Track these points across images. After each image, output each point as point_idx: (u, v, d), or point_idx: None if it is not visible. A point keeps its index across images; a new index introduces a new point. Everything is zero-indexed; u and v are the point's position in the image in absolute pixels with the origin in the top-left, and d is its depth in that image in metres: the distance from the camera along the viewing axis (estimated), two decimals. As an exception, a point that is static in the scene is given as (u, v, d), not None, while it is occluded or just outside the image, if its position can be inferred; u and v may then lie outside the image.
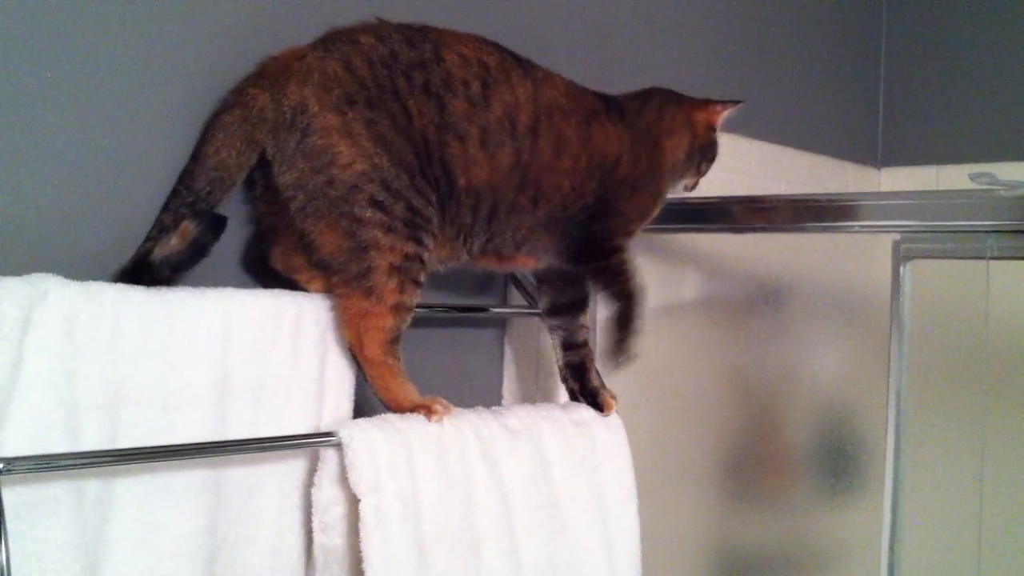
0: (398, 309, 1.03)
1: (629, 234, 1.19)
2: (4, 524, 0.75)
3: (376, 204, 1.01)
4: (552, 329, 1.22)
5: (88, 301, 0.87)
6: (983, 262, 1.35)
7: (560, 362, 1.23)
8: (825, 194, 1.21)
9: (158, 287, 0.93)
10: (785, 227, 1.32)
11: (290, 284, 1.05)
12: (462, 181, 1.06)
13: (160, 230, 0.97)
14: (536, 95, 1.10)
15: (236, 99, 1.00)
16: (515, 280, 1.30)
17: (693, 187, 1.26)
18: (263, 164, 1.01)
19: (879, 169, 1.99)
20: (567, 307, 1.21)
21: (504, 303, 1.33)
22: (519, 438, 1.12)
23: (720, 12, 1.67)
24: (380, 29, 1.05)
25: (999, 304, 1.66)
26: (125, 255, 0.96)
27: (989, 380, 1.70)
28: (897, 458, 1.17)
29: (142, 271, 0.95)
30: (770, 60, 1.79)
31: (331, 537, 1.00)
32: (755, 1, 1.76)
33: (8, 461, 0.77)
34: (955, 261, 1.15)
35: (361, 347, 1.03)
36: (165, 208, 0.98)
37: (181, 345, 0.93)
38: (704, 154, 1.23)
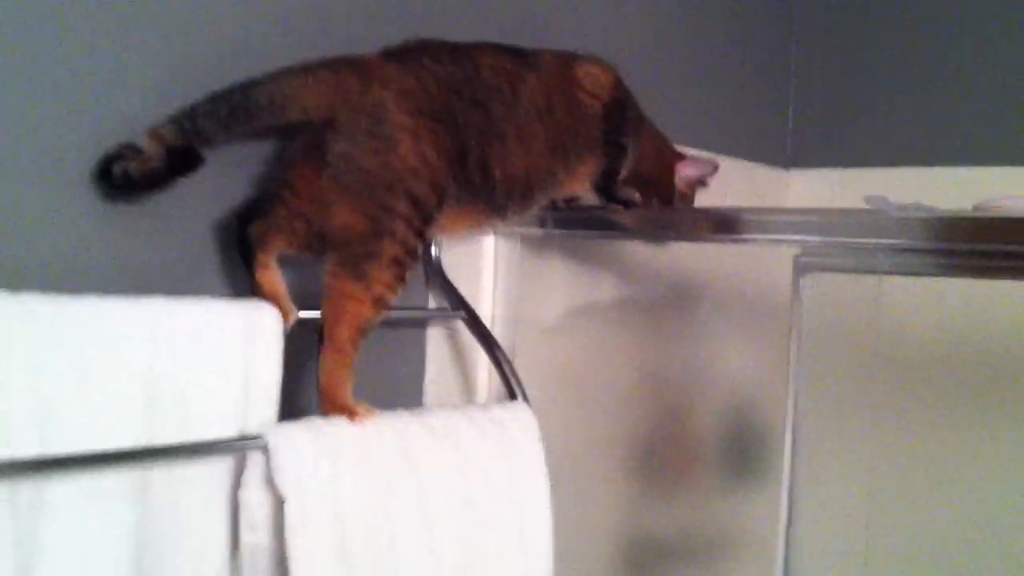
0: (380, 302, 1.10)
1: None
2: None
3: (412, 199, 1.10)
4: None
5: (20, 313, 0.90)
6: (876, 277, 1.43)
7: None
8: (733, 207, 1.26)
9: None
10: (694, 237, 1.38)
11: (247, 254, 1.11)
12: (498, 173, 1.19)
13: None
14: (539, 77, 1.24)
15: (331, 68, 1.10)
16: (439, 281, 1.35)
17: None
18: (321, 131, 1.09)
19: (788, 171, 2.04)
20: None
21: (425, 305, 1.37)
22: (438, 437, 1.16)
23: (625, 11, 1.70)
24: (432, 50, 1.18)
25: (889, 315, 1.75)
26: (57, 263, 0.99)
27: (879, 383, 1.80)
28: (794, 453, 1.24)
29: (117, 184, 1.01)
30: (679, 61, 1.82)
31: (258, 536, 1.03)
32: (667, 1, 1.79)
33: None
34: (850, 275, 1.22)
35: (333, 328, 1.09)
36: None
37: (111, 354, 0.96)
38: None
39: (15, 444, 0.89)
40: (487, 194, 1.21)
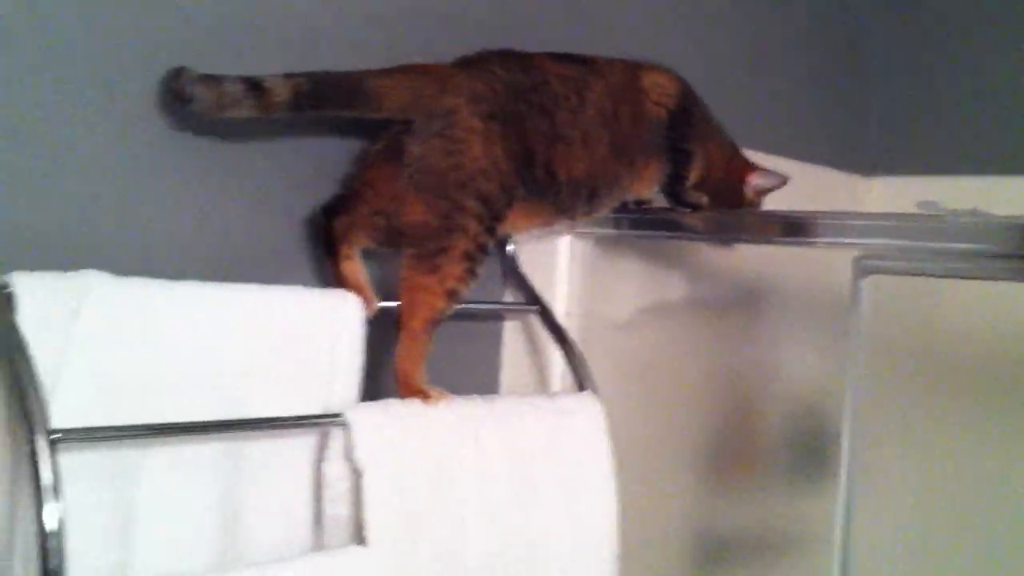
0: (452, 295, 1.19)
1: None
2: (60, 485, 0.87)
3: (482, 198, 1.18)
4: None
5: (130, 296, 1.00)
6: (934, 280, 1.45)
7: None
8: (797, 211, 1.30)
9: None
10: (758, 240, 1.43)
11: (331, 247, 1.20)
12: (563, 176, 1.26)
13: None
14: (606, 84, 1.31)
15: (414, 73, 1.19)
16: (515, 277, 1.42)
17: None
18: (399, 134, 1.18)
19: (869, 178, 2.05)
20: None
21: (502, 299, 1.44)
22: (505, 422, 1.24)
23: (711, 21, 1.74)
24: (502, 59, 1.25)
25: (947, 317, 1.76)
26: (156, 254, 1.09)
27: (937, 385, 1.80)
28: (851, 454, 1.27)
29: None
30: (761, 69, 1.85)
31: (338, 507, 1.12)
32: (746, 10, 1.83)
33: (63, 432, 0.89)
34: (910, 278, 1.25)
35: (409, 318, 1.18)
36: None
37: (209, 335, 1.05)
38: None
39: (120, 414, 0.99)
40: (553, 195, 1.27)
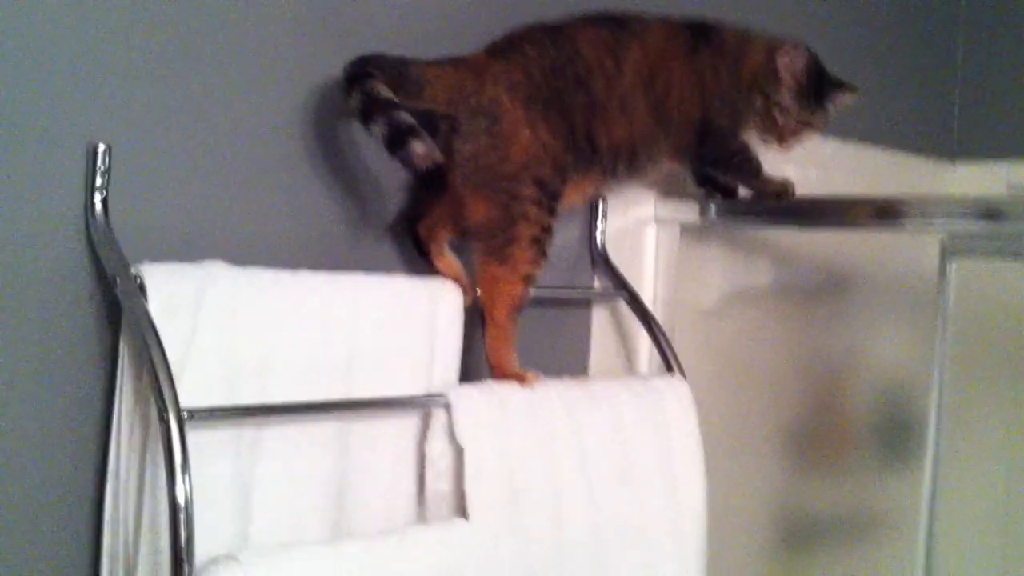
0: (528, 279, 1.23)
1: (736, 137, 1.39)
2: (188, 460, 0.94)
3: (538, 183, 1.21)
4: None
5: (249, 284, 1.06)
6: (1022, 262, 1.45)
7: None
8: (883, 195, 1.32)
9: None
10: (846, 224, 1.44)
11: (422, 249, 1.25)
12: (604, 142, 1.27)
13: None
14: (645, 47, 1.30)
15: (453, 65, 1.20)
16: (603, 264, 1.46)
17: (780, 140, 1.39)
18: (448, 134, 1.19)
19: (954, 164, 2.04)
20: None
21: (591, 285, 1.48)
22: (598, 401, 1.28)
23: (796, 4, 1.75)
24: (533, 37, 1.25)
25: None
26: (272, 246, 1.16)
27: (1020, 367, 1.79)
28: (938, 437, 1.29)
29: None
30: (845, 55, 1.84)
31: (440, 483, 1.17)
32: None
33: (191, 411, 0.96)
34: (997, 261, 1.27)
35: (491, 309, 1.23)
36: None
37: (319, 321, 1.11)
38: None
39: (241, 394, 1.05)
40: (599, 162, 1.28)
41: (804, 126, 1.38)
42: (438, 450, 1.17)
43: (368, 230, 1.25)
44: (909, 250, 1.52)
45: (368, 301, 1.16)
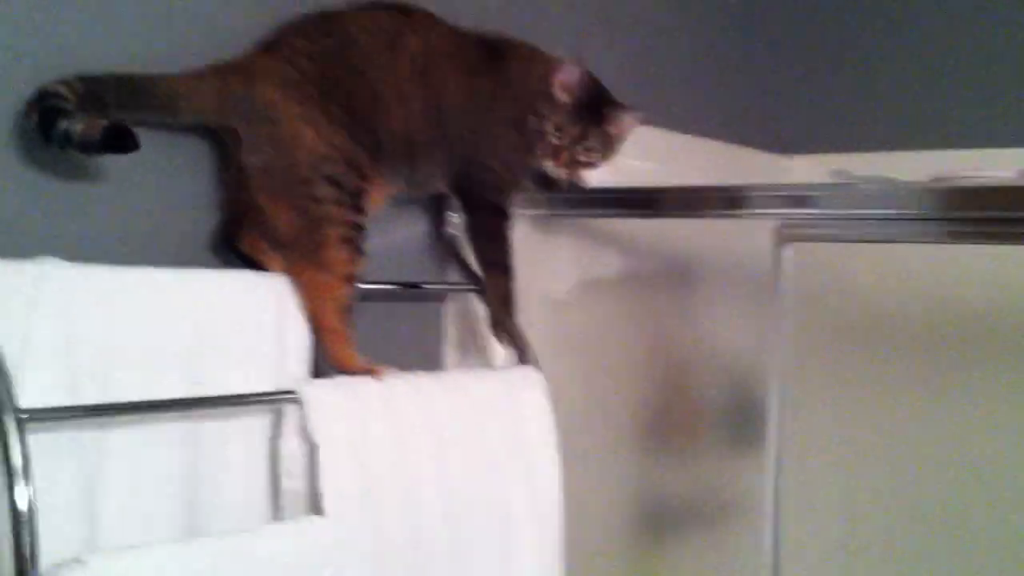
0: (349, 278, 1.20)
1: (502, 191, 1.35)
2: (30, 463, 0.91)
3: (332, 182, 1.17)
4: None
5: (85, 281, 1.03)
6: (852, 246, 1.53)
7: None
8: (717, 185, 1.37)
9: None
10: (683, 213, 1.49)
11: (254, 264, 1.21)
12: (385, 136, 1.23)
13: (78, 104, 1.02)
14: (426, 44, 1.26)
15: (218, 74, 1.14)
16: (455, 258, 1.47)
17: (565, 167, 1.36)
18: (231, 147, 1.16)
19: (791, 157, 2.14)
20: None
21: (442, 280, 1.48)
22: (453, 393, 1.29)
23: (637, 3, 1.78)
24: (303, 28, 1.21)
25: (865, 282, 1.84)
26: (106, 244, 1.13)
27: (862, 349, 1.88)
28: (780, 420, 1.34)
29: (57, 141, 1.01)
30: (678, 49, 1.91)
31: (295, 482, 1.16)
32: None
33: (31, 412, 0.93)
34: (830, 245, 1.33)
35: (319, 315, 1.19)
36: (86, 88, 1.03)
37: (163, 318, 1.09)
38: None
39: (83, 394, 1.02)
40: (385, 158, 1.23)
41: (585, 151, 1.35)
42: (291, 448, 1.16)
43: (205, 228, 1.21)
44: (746, 237, 1.58)
45: (214, 297, 1.14)
